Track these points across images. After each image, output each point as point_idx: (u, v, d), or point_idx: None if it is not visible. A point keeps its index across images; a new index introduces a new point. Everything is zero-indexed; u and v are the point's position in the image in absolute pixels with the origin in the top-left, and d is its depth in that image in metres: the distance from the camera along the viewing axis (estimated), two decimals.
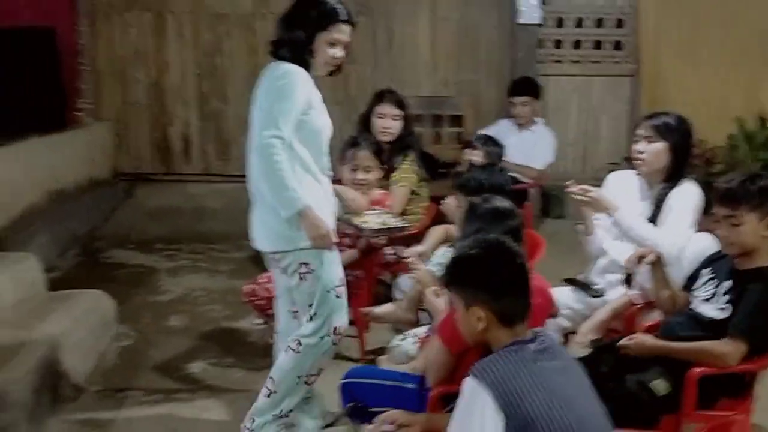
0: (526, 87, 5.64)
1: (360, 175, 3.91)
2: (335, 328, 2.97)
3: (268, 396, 2.99)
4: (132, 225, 6.07)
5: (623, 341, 2.68)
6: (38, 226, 5.11)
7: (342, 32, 2.89)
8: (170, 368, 3.85)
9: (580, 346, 3.12)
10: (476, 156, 4.25)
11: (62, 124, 5.88)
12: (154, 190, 6.45)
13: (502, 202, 2.77)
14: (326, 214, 2.91)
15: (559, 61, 6.52)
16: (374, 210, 3.72)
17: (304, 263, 2.88)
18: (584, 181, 3.56)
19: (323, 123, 2.94)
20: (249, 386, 3.55)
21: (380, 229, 3.52)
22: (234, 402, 3.47)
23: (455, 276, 2.11)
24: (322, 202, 2.92)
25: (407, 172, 4.31)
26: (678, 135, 3.29)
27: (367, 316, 3.60)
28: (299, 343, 2.95)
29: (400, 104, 4.33)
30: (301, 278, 2.90)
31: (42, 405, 3.28)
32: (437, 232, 3.88)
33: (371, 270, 3.99)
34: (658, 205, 3.26)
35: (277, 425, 3.01)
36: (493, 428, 1.85)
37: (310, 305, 2.93)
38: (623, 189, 3.46)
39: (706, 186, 3.20)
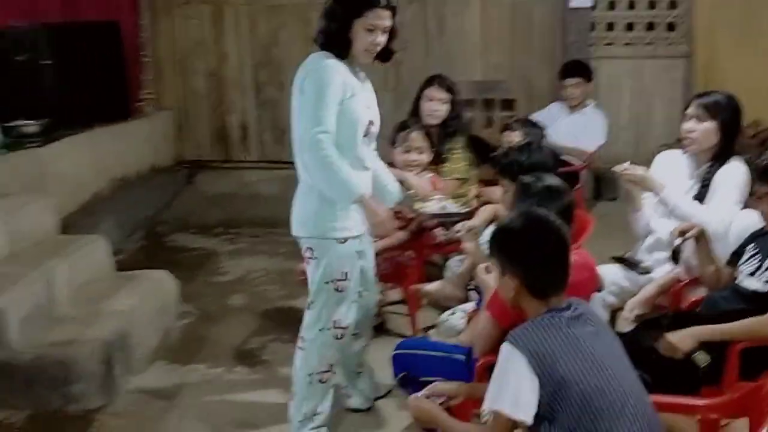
0: (577, 69, 5.65)
1: (413, 156, 4.01)
2: (335, 321, 2.93)
3: (292, 399, 3.03)
4: (193, 210, 6.28)
5: (665, 342, 2.60)
6: (105, 211, 5.32)
7: (380, 17, 2.78)
8: (230, 344, 4.01)
9: (626, 322, 3.18)
10: (514, 137, 4.30)
11: (126, 115, 6.08)
12: (213, 177, 6.66)
13: (553, 180, 2.80)
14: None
15: (611, 44, 6.50)
16: (434, 196, 3.79)
17: (309, 248, 2.89)
18: (637, 164, 3.60)
19: (359, 114, 2.84)
20: None
21: (440, 214, 3.55)
22: (290, 375, 3.62)
23: (494, 244, 2.19)
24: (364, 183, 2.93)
25: (457, 162, 4.36)
26: (727, 114, 3.30)
27: (418, 292, 3.69)
28: (303, 339, 2.97)
29: (448, 88, 4.39)
30: (306, 261, 2.94)
31: (112, 376, 3.46)
32: (487, 211, 3.96)
33: (422, 251, 4.09)
34: (705, 183, 3.29)
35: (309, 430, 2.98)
36: (528, 390, 1.93)
37: (310, 290, 2.95)
38: (671, 168, 3.50)
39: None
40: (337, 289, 2.90)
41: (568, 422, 1.94)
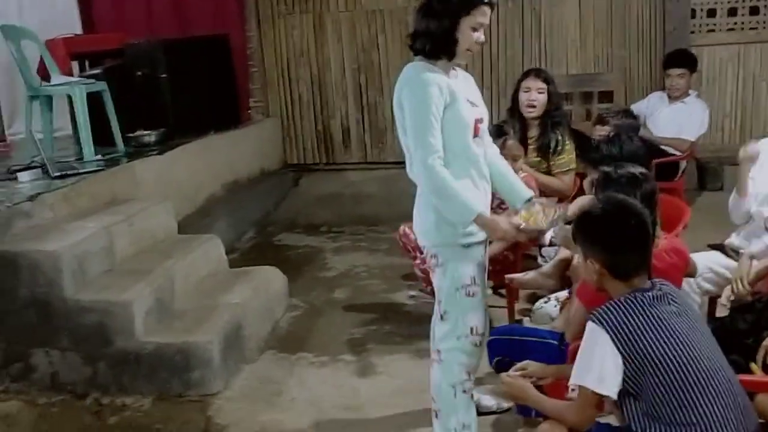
0: (682, 59, 5.55)
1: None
2: (472, 329, 2.79)
3: (437, 416, 2.87)
4: (299, 210, 6.56)
5: (763, 350, 2.56)
6: (218, 213, 5.65)
7: (485, 15, 2.69)
8: (336, 334, 4.21)
9: (722, 308, 3.17)
10: (605, 131, 4.29)
11: (236, 122, 6.39)
12: (317, 179, 6.94)
13: (634, 168, 2.83)
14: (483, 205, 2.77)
15: (713, 30, 6.36)
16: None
17: (434, 255, 2.79)
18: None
19: (464, 117, 2.70)
20: (405, 350, 3.91)
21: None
22: (392, 363, 3.80)
23: (577, 228, 2.26)
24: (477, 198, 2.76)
25: (570, 153, 4.39)
26: None
27: (513, 281, 3.76)
28: (439, 352, 2.83)
29: (544, 79, 4.43)
30: (431, 268, 2.82)
31: (227, 364, 3.71)
32: (582, 200, 4.00)
33: (519, 244, 4.16)
34: None
35: None
36: (612, 367, 2.01)
37: (438, 300, 2.82)
38: None
39: None
40: (468, 294, 2.77)
41: (652, 398, 2.01)
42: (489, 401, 3.23)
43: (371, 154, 6.98)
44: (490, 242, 3.04)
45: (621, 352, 2.01)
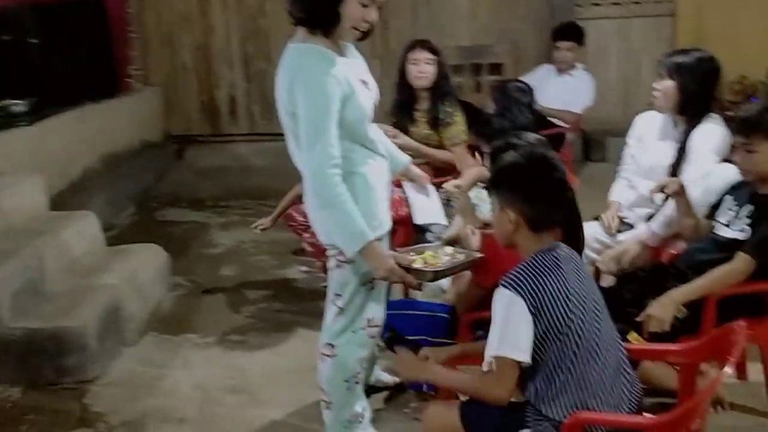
0: (571, 32, 5.61)
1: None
2: (369, 320, 2.67)
3: (328, 408, 2.75)
4: (183, 184, 6.32)
5: (644, 315, 2.64)
6: (95, 188, 5.36)
7: None
8: (223, 314, 4.07)
9: (607, 278, 3.22)
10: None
11: (114, 91, 6.10)
12: (203, 151, 6.70)
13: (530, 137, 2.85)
14: (383, 195, 2.64)
15: (597, 4, 6.49)
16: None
17: (341, 253, 2.56)
18: (625, 124, 3.62)
19: (363, 107, 2.52)
20: (295, 328, 3.81)
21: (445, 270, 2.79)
22: (282, 341, 3.69)
23: (496, 177, 2.19)
24: (380, 181, 2.63)
25: (460, 125, 4.35)
26: (690, 74, 3.23)
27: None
28: (332, 347, 2.67)
29: (432, 49, 4.39)
30: (338, 265, 2.61)
31: (105, 348, 3.51)
32: (473, 171, 3.97)
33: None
34: (682, 146, 3.31)
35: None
36: (526, 332, 1.97)
37: (338, 295, 2.64)
38: (649, 129, 3.53)
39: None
40: (371, 288, 2.64)
41: (549, 361, 1.99)
42: (387, 377, 3.18)
43: (259, 125, 6.80)
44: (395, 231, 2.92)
45: (533, 315, 1.97)
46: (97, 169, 5.60)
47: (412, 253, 2.68)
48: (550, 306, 1.97)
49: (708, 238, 2.85)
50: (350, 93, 2.46)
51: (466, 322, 2.74)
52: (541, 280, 1.99)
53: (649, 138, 3.53)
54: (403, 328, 2.86)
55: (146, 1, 6.70)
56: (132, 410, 3.19)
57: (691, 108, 3.26)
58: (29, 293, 3.54)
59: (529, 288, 1.98)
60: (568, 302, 1.99)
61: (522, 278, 2.00)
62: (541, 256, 2.05)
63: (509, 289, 2.00)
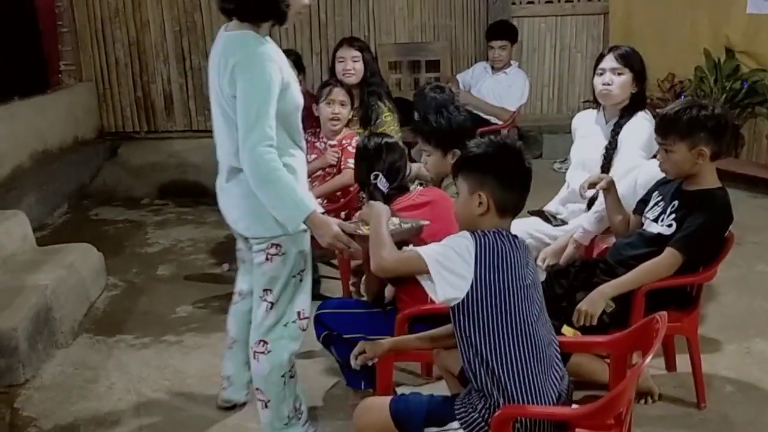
0: (504, 30, 5.72)
1: (336, 109, 4.06)
2: (299, 313, 2.70)
3: (266, 406, 2.75)
4: (118, 182, 6.18)
5: (577, 312, 2.70)
6: (26, 186, 5.21)
7: None
8: (158, 313, 4.01)
9: (540, 272, 3.28)
10: None
11: (45, 87, 5.94)
12: (138, 148, 6.53)
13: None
14: (306, 186, 2.68)
15: (531, 2, 6.59)
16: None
17: (275, 245, 2.59)
18: (560, 121, 3.69)
19: (298, 99, 2.60)
20: None
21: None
22: (219, 342, 3.62)
23: (469, 161, 2.23)
24: (303, 175, 2.67)
25: (391, 125, 4.38)
26: (640, 65, 3.41)
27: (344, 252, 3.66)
28: (265, 343, 2.68)
29: (359, 47, 4.45)
30: (267, 258, 2.61)
31: (37, 351, 3.43)
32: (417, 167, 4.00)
33: (351, 212, 4.12)
34: (613, 138, 3.39)
35: (301, 428, 2.81)
36: (458, 271, 2.07)
37: (267, 290, 2.65)
38: (580, 126, 3.62)
39: None
40: (300, 280, 2.67)
41: (485, 328, 2.05)
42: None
43: (196, 122, 6.68)
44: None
45: (475, 259, 2.05)
46: (28, 167, 5.44)
47: (359, 222, 2.67)
48: (493, 264, 2.05)
49: (636, 233, 2.92)
50: (288, 82, 2.52)
51: (403, 318, 2.75)
52: (497, 247, 2.08)
53: (579, 134, 3.62)
54: (340, 327, 2.89)
55: None
56: (65, 414, 3.13)
57: (636, 102, 3.35)
58: None
59: (483, 240, 2.08)
60: (513, 278, 2.06)
61: (481, 234, 2.10)
62: (501, 233, 2.13)
63: (468, 234, 2.11)
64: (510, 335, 2.04)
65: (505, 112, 5.53)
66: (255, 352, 2.70)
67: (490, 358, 2.04)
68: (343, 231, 2.52)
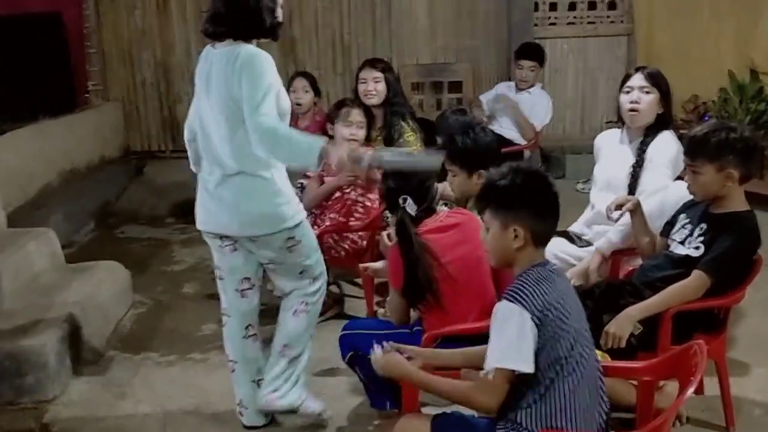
0: (534, 52, 5.71)
1: (353, 130, 4.07)
2: (322, 273, 3.09)
3: (290, 361, 3.03)
4: (143, 201, 6.25)
5: (604, 335, 2.69)
6: (54, 204, 5.28)
7: None
8: (184, 331, 4.03)
9: None
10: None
11: (72, 107, 6.04)
12: (163, 167, 6.60)
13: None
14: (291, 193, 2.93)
15: (554, 24, 6.62)
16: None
17: (290, 237, 2.86)
18: (583, 141, 3.69)
19: (286, 105, 2.83)
20: None
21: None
22: None
23: (499, 196, 2.17)
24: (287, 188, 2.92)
25: (413, 145, 4.39)
26: (666, 86, 3.42)
27: (367, 270, 3.69)
28: (307, 304, 3.03)
29: (380, 68, 4.48)
30: (289, 250, 2.90)
31: (64, 367, 3.47)
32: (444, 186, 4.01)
33: (374, 232, 4.13)
34: (639, 157, 3.39)
35: (302, 387, 3.07)
36: (532, 343, 2.01)
37: (303, 271, 2.97)
38: (604, 145, 3.63)
39: None
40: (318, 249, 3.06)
41: (539, 370, 2.03)
42: (313, 405, 3.12)
43: None
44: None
45: (536, 324, 2.01)
46: (56, 185, 5.52)
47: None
48: (551, 316, 2.01)
49: (662, 255, 2.92)
50: (281, 88, 2.77)
51: (429, 338, 2.75)
52: (542, 291, 2.04)
53: (603, 153, 3.62)
54: (365, 347, 2.88)
55: (105, 16, 6.63)
56: (92, 429, 3.16)
57: (662, 122, 3.37)
58: None
59: (533, 300, 2.02)
60: (563, 308, 2.03)
61: (525, 291, 2.04)
62: (538, 269, 2.10)
63: (513, 302, 2.03)
64: (571, 367, 2.03)
65: (531, 128, 5.53)
66: (296, 310, 3.03)
67: (544, 391, 2.03)
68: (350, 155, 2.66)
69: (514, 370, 2.01)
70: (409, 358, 2.35)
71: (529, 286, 2.05)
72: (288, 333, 3.04)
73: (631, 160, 3.41)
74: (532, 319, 2.00)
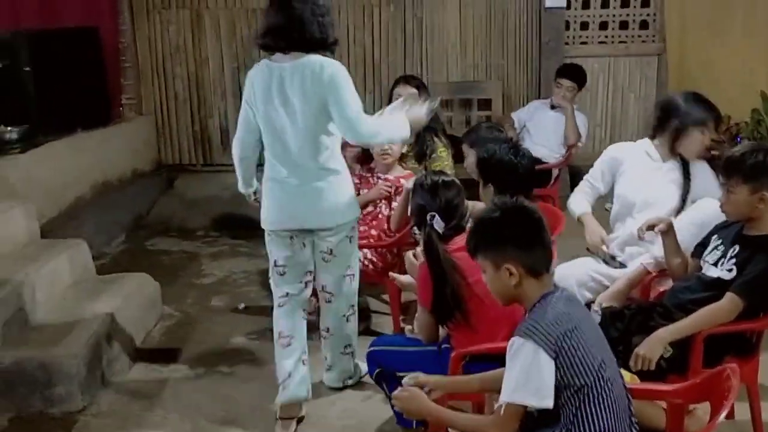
0: (576, 74, 5.68)
1: (386, 144, 4.08)
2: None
3: (352, 354, 3.49)
4: (174, 214, 6.29)
5: (634, 357, 2.68)
6: (86, 216, 5.35)
7: None
8: (213, 344, 4.06)
9: (595, 315, 3.24)
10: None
11: (107, 120, 6.09)
12: (194, 180, 6.67)
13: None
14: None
15: (585, 43, 6.61)
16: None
17: (353, 227, 3.30)
18: None
19: None
20: None
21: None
22: (272, 373, 3.67)
23: (481, 239, 2.19)
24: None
25: (445, 160, 4.41)
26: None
27: (395, 281, 3.67)
28: (353, 306, 3.43)
29: (416, 85, 4.50)
30: (350, 240, 3.30)
31: (95, 378, 3.51)
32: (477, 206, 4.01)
33: (402, 247, 4.14)
34: (687, 186, 3.40)
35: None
36: (550, 374, 1.99)
37: (350, 267, 3.34)
38: (630, 163, 3.57)
39: None
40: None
41: (566, 405, 2.02)
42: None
43: None
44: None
45: (553, 358, 1.99)
46: (89, 197, 5.59)
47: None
48: (567, 345, 1.99)
49: (694, 277, 2.89)
50: None
51: (457, 357, 2.75)
52: (554, 322, 2.02)
53: (630, 172, 3.57)
54: (392, 364, 2.89)
55: (140, 31, 6.73)
56: None
57: None
58: (19, 322, 3.54)
59: (546, 333, 2.00)
60: (579, 338, 2.01)
61: (537, 326, 2.02)
62: (548, 300, 2.09)
63: (525, 338, 2.02)
64: (597, 392, 2.02)
65: (577, 135, 5.55)
66: (346, 315, 3.41)
67: (573, 418, 2.02)
68: None
69: (525, 406, 2.01)
70: (429, 391, 2.36)
71: (540, 319, 2.04)
72: (349, 334, 3.47)
73: (670, 180, 3.39)
74: (547, 352, 1.98)
